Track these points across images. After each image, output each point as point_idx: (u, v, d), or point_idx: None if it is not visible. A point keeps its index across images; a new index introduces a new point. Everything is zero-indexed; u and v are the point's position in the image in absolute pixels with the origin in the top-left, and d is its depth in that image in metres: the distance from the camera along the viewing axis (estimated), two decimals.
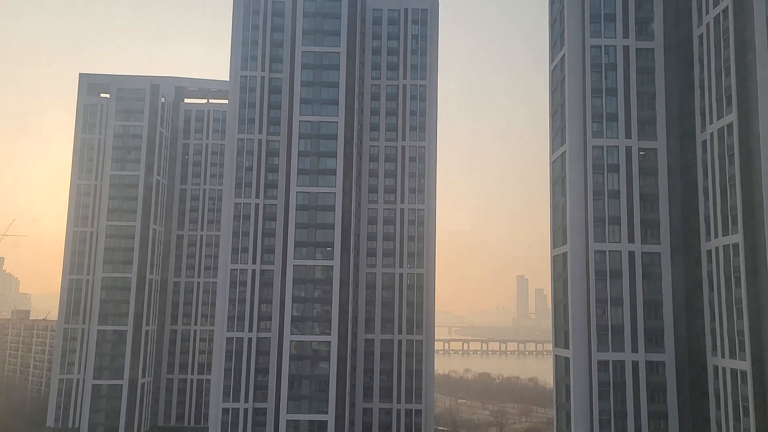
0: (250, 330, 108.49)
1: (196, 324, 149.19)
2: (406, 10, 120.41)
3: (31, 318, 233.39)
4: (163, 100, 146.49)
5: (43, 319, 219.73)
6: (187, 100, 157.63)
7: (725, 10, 72.94)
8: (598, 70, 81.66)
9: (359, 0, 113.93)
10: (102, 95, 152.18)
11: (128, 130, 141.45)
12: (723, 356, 70.74)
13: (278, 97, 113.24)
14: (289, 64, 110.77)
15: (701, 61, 77.95)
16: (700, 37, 78.24)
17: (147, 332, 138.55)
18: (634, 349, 76.64)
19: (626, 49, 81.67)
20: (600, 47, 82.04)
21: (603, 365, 76.72)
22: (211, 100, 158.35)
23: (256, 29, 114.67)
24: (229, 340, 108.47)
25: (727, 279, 70.67)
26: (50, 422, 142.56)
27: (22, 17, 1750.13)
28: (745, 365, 66.56)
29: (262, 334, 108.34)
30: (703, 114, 77.23)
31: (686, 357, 76.67)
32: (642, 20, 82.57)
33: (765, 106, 68.30)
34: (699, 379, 75.24)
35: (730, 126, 71.38)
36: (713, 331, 73.23)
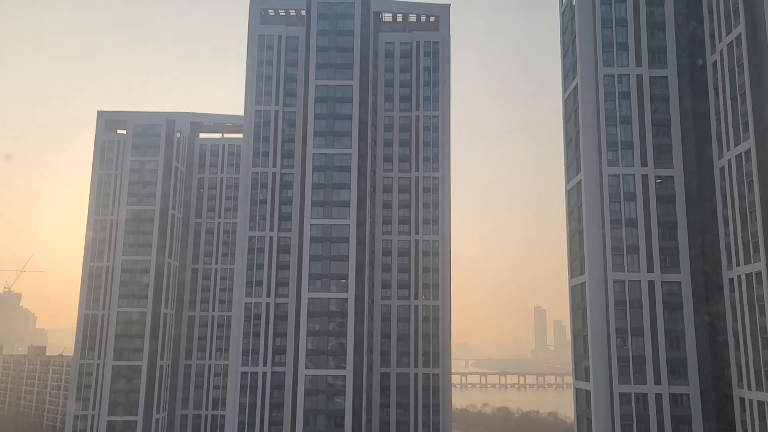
0: (265, 364, 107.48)
1: (210, 359, 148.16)
2: (418, 42, 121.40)
3: (47, 354, 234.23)
4: (178, 135, 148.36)
5: (59, 355, 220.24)
6: (202, 135, 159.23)
7: (738, 38, 72.79)
8: (612, 99, 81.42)
9: (371, 34, 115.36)
10: (119, 131, 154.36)
11: (144, 165, 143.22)
12: (750, 388, 68.62)
13: (292, 131, 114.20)
14: (302, 97, 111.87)
15: (716, 88, 77.58)
16: (714, 64, 78.03)
17: (161, 367, 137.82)
18: (657, 381, 74.67)
19: (639, 77, 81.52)
20: (613, 76, 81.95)
21: (625, 398, 74.72)
22: (225, 135, 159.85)
23: (270, 64, 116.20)
24: (244, 374, 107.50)
25: (751, 308, 69.05)
26: None
27: (41, 56, 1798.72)
28: None
29: (277, 369, 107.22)
30: (719, 140, 76.56)
31: (711, 388, 74.41)
32: (655, 48, 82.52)
33: None
34: (725, 412, 72.94)
35: (748, 152, 70.59)
36: (738, 361, 71.30)
